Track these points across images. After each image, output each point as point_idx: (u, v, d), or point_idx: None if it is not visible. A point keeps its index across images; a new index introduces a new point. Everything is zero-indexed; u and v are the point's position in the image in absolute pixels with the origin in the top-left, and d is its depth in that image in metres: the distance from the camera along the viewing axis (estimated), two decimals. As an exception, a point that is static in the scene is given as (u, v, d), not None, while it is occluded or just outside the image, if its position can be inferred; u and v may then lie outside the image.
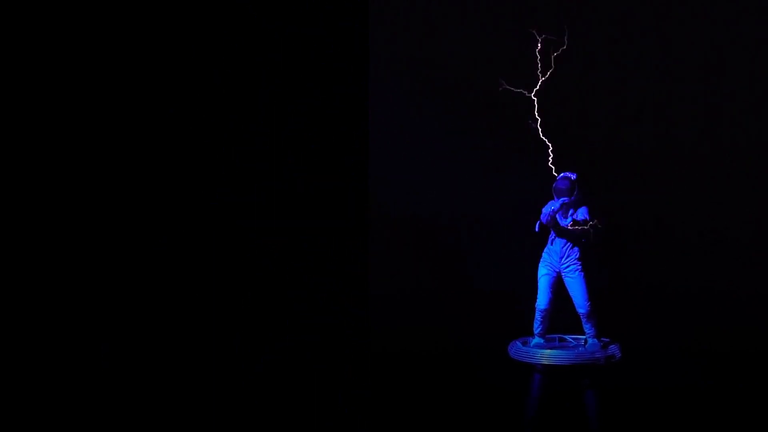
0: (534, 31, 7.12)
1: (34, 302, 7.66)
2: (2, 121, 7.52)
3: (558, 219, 7.04)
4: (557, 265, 7.07)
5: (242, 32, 8.29)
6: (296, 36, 8.39)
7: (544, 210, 7.08)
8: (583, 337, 7.15)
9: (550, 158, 7.13)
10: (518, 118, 8.47)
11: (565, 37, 7.02)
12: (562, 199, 6.99)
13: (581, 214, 7.02)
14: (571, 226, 6.98)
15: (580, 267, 7.05)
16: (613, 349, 7.05)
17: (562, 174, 7.03)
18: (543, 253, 7.16)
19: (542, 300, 7.12)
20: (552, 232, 7.10)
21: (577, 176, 7.02)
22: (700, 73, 8.44)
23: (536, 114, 7.20)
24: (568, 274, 7.04)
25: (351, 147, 8.41)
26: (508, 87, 7.16)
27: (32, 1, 7.02)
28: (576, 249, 7.06)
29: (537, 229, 7.13)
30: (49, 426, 6.50)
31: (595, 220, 6.94)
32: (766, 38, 8.45)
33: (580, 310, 7.05)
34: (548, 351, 6.98)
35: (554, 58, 7.68)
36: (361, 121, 8.40)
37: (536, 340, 7.16)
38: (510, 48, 8.46)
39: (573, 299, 7.07)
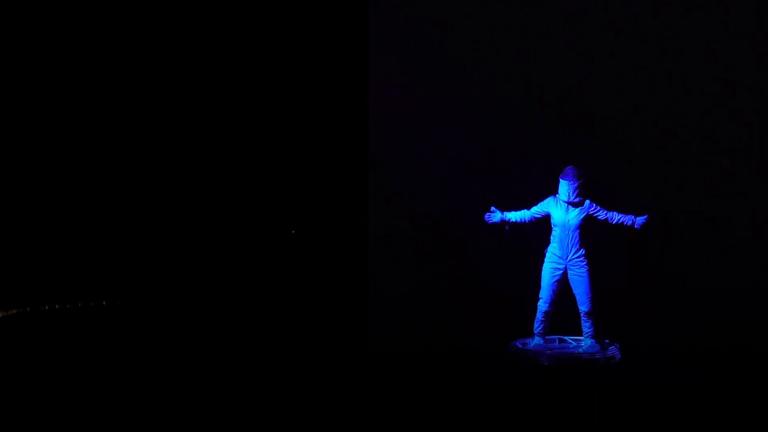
0: None
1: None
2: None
3: (563, 215, 6.98)
4: (564, 261, 7.01)
5: (242, 34, 8.29)
6: (296, 37, 8.38)
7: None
8: (583, 337, 7.14)
9: None
10: (519, 118, 8.47)
11: None
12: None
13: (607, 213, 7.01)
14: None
15: (586, 264, 7.02)
16: (613, 349, 7.03)
17: (568, 167, 7.01)
18: (547, 252, 7.11)
19: (545, 299, 7.10)
20: (554, 231, 7.05)
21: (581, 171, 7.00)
22: (703, 73, 8.41)
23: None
24: (575, 270, 7.00)
25: (351, 147, 8.42)
26: None
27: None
28: (584, 249, 7.03)
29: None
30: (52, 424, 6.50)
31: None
32: None
33: (583, 308, 7.02)
34: (548, 351, 6.96)
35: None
36: (362, 121, 8.41)
37: (536, 340, 7.14)
38: (510, 46, 8.45)
39: (576, 296, 7.04)
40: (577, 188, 6.91)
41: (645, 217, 6.99)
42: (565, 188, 6.94)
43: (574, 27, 8.42)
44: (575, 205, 6.97)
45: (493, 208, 7.11)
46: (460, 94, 8.48)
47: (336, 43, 8.32)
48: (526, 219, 7.08)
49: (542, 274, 7.11)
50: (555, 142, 8.31)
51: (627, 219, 6.99)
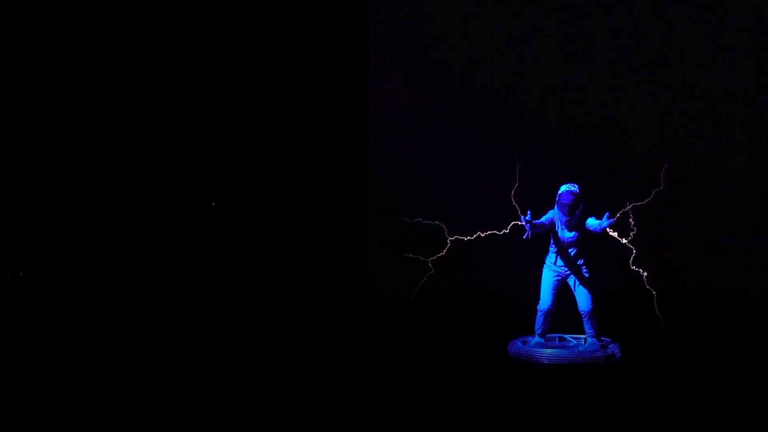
0: None
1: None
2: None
3: (560, 234, 6.94)
4: (563, 271, 7.01)
5: (242, 34, 8.30)
6: (296, 37, 8.39)
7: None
8: (583, 336, 7.14)
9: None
10: (519, 118, 8.48)
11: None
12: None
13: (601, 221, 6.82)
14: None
15: (586, 270, 7.01)
16: (613, 348, 7.02)
17: (565, 188, 6.88)
18: (546, 259, 7.08)
19: (545, 301, 7.08)
20: (553, 244, 7.02)
21: (579, 188, 6.87)
22: (702, 74, 8.41)
23: None
24: (575, 276, 7.00)
25: (351, 147, 8.43)
26: None
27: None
28: (582, 258, 7.00)
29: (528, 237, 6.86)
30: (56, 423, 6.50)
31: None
32: None
33: (583, 309, 7.01)
34: (548, 350, 6.96)
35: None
36: (362, 122, 8.41)
37: (536, 339, 7.14)
38: (510, 47, 8.45)
39: (577, 298, 7.03)
40: (571, 220, 6.84)
41: (607, 219, 6.71)
42: (563, 217, 6.88)
43: (575, 28, 8.43)
44: (571, 229, 6.92)
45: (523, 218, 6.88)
46: (460, 94, 8.48)
47: (336, 43, 8.32)
48: (537, 223, 6.92)
49: (542, 277, 7.10)
50: (555, 142, 8.32)
51: (597, 227, 6.84)
